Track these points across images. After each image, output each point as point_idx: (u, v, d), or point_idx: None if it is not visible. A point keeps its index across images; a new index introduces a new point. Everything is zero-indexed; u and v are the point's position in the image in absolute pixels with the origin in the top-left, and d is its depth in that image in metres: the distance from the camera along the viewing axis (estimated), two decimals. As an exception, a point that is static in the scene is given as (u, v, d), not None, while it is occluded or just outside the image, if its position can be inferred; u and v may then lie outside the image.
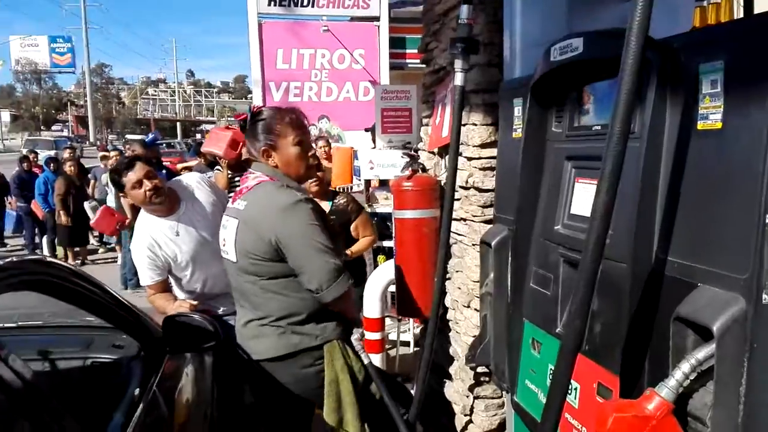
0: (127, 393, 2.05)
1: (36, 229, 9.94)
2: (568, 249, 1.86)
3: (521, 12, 2.41)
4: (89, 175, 9.76)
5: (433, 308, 2.41)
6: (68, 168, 8.99)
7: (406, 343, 4.93)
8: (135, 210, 4.50)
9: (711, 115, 1.36)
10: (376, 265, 4.69)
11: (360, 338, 2.26)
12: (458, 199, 2.80)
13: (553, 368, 1.57)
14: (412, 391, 2.60)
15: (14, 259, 1.81)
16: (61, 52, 52.88)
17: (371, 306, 4.06)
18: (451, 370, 3.03)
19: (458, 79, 2.34)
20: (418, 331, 4.76)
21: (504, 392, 2.60)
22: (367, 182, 5.53)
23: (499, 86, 2.53)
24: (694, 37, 1.51)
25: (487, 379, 2.75)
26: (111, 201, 7.98)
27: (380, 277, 4.07)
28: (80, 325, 2.61)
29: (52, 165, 9.55)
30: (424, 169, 3.18)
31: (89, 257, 9.55)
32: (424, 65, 3.45)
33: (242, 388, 2.66)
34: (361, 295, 4.01)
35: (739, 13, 2.85)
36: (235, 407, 2.72)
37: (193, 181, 3.12)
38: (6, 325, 2.59)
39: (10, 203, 10.49)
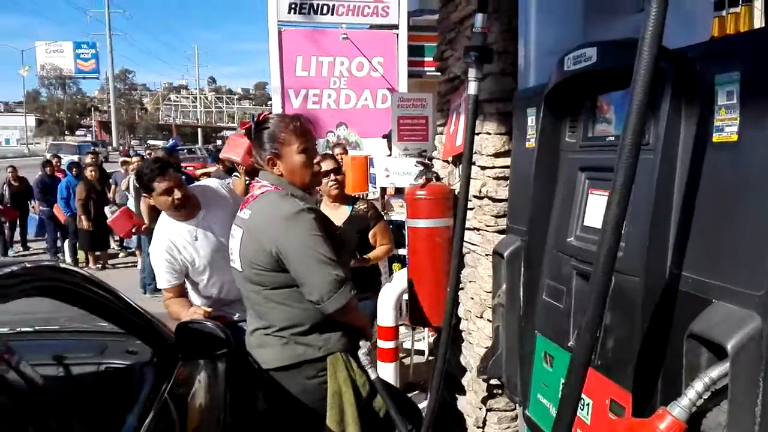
0: (139, 399, 2.06)
1: (58, 233, 10.09)
2: (581, 261, 1.83)
3: (536, 21, 2.39)
4: (110, 180, 9.90)
5: (445, 318, 2.39)
6: (89, 173, 9.12)
7: (421, 352, 4.90)
8: (152, 215, 4.54)
9: (726, 127, 1.33)
10: (391, 273, 4.67)
11: (367, 353, 2.22)
12: (472, 209, 2.78)
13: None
14: (425, 402, 2.57)
15: (27, 265, 1.82)
16: (85, 58, 53.83)
17: (385, 314, 4.04)
18: (464, 381, 3.00)
19: (472, 88, 2.33)
20: (432, 340, 4.73)
21: (517, 405, 2.57)
22: (383, 190, 5.51)
23: (513, 95, 2.51)
24: (710, 47, 1.48)
25: (500, 391, 2.72)
26: (131, 206, 8.08)
27: (394, 286, 4.05)
28: (95, 330, 2.63)
29: (74, 170, 9.71)
30: (438, 178, 3.17)
31: (110, 261, 9.67)
32: (439, 73, 3.45)
33: (255, 395, 2.65)
34: (376, 303, 3.99)
35: (759, 22, 2.80)
36: (249, 414, 2.72)
37: (212, 187, 3.15)
38: (24, 329, 2.61)
39: (33, 207, 10.67)
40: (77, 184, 8.99)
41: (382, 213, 5.08)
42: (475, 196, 2.74)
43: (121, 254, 10.26)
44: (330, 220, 2.37)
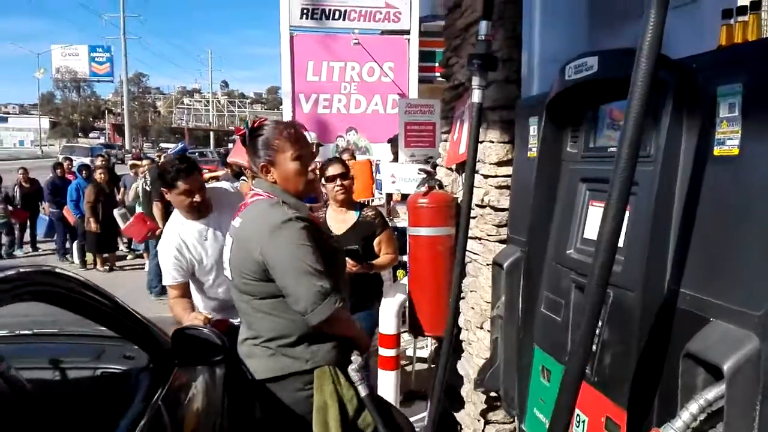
0: (133, 404, 2.04)
1: (67, 235, 10.15)
2: (580, 274, 1.79)
3: (540, 28, 2.36)
4: (120, 183, 9.95)
5: (447, 328, 2.36)
6: (98, 175, 9.17)
7: (423, 360, 4.86)
8: (166, 219, 4.55)
9: (728, 140, 1.30)
10: (395, 280, 4.64)
11: (358, 369, 2.14)
12: (474, 218, 2.74)
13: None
14: (425, 412, 2.53)
15: (21, 269, 1.81)
16: (100, 62, 54.34)
17: (387, 322, 4.01)
18: (463, 392, 2.96)
19: (476, 96, 2.30)
20: (434, 348, 4.69)
21: (515, 418, 2.53)
22: (389, 196, 5.49)
23: (516, 103, 2.48)
24: (713, 58, 1.44)
25: (498, 403, 2.68)
26: (138, 209, 8.11)
27: (397, 293, 4.02)
28: (93, 334, 2.62)
29: (84, 172, 9.76)
30: (441, 186, 3.13)
31: (117, 263, 9.71)
32: (443, 79, 3.42)
33: (253, 402, 2.63)
34: (377, 312, 3.95)
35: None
36: (247, 420, 2.70)
37: (225, 189, 3.16)
38: (23, 331, 2.61)
39: (43, 209, 10.74)
40: (87, 186, 9.04)
41: (388, 219, 5.06)
42: (477, 205, 2.70)
43: (129, 256, 10.29)
44: (323, 229, 2.34)
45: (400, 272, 4.99)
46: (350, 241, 3.33)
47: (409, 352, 4.72)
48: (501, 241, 2.57)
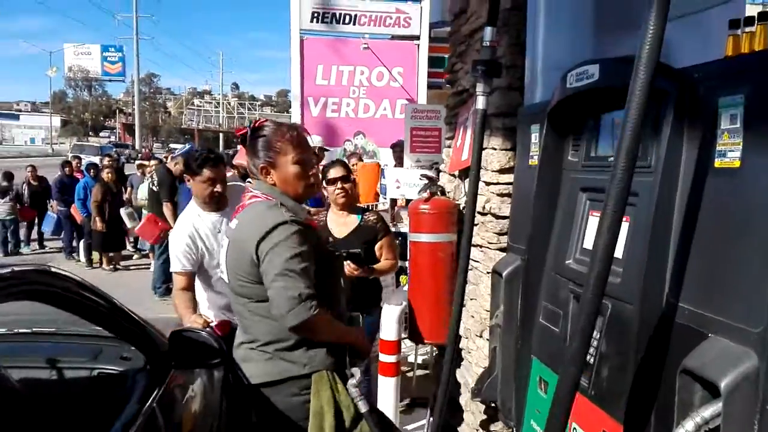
0: (128, 405, 2.03)
1: (74, 233, 10.19)
2: (578, 285, 1.76)
3: (544, 34, 2.33)
4: (127, 183, 9.99)
5: (449, 336, 2.32)
6: (106, 174, 9.20)
7: (424, 366, 4.83)
8: (177, 218, 4.59)
9: (729, 152, 1.27)
10: (398, 285, 4.61)
11: (357, 384, 2.09)
12: (475, 225, 2.72)
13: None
14: (423, 420, 2.49)
15: (16, 268, 1.81)
16: (112, 61, 54.75)
17: (388, 328, 3.98)
18: (462, 401, 2.93)
19: (480, 102, 2.29)
20: (435, 354, 4.66)
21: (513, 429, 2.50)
22: (393, 201, 5.47)
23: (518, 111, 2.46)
24: (715, 68, 1.41)
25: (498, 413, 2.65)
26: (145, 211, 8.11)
27: (398, 299, 3.99)
28: (91, 334, 2.61)
29: (92, 171, 9.81)
30: (443, 192, 3.11)
31: (123, 262, 9.73)
32: (449, 85, 3.41)
33: (251, 406, 2.62)
34: (377, 318, 3.93)
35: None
36: (245, 423, 2.68)
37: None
38: (21, 330, 2.61)
39: (51, 206, 10.80)
40: (94, 185, 9.08)
41: (392, 224, 5.04)
42: (478, 212, 2.68)
43: (135, 256, 10.32)
44: (320, 234, 2.31)
45: (403, 278, 4.97)
46: (351, 245, 3.31)
47: (411, 359, 4.69)
48: (502, 249, 2.55)
